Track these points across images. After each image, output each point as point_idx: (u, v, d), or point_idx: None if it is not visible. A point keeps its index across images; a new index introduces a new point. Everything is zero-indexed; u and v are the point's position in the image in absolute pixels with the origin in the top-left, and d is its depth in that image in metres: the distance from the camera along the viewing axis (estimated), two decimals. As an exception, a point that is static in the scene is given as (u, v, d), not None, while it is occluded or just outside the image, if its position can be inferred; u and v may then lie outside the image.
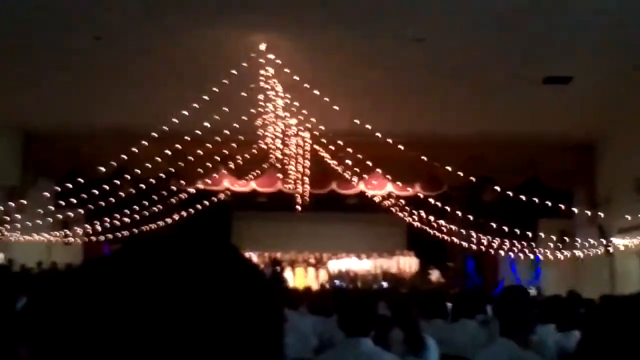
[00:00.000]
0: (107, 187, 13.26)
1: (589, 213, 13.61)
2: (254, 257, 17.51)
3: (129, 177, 13.56)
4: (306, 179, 14.11)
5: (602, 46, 9.56)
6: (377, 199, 15.44)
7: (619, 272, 12.70)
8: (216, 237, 0.68)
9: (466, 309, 5.46)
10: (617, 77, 10.73)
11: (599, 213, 13.45)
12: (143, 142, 12.06)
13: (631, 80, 10.80)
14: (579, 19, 8.78)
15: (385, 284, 16.38)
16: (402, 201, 15.44)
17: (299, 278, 17.42)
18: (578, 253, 13.49)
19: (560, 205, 13.19)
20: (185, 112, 10.94)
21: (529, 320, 3.32)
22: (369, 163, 13.89)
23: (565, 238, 14.25)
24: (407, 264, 17.60)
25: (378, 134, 12.27)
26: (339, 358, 3.03)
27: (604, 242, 12.77)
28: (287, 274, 17.29)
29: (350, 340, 3.09)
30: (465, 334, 4.58)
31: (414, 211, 15.40)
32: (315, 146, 13.54)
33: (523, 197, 13.12)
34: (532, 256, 14.49)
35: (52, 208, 13.73)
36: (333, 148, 13.60)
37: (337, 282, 16.96)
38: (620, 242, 12.36)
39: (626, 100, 11.69)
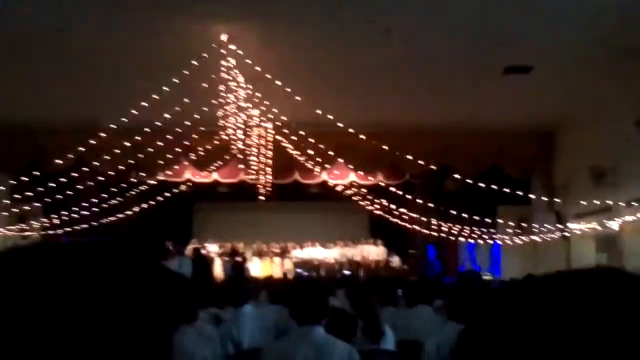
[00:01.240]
0: (65, 180, 13.06)
1: (546, 199, 13.91)
2: (216, 248, 17.46)
3: (87, 169, 13.37)
4: (269, 170, 14.08)
5: (562, 36, 9.71)
6: (339, 188, 15.52)
7: (575, 256, 13.02)
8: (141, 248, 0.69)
9: (423, 295, 5.54)
10: (576, 67, 10.93)
11: (556, 199, 13.76)
12: (102, 134, 11.90)
13: (590, 71, 11.03)
14: (539, 8, 8.91)
15: (347, 272, 16.49)
16: (364, 190, 15.54)
17: (264, 268, 17.43)
18: (535, 238, 13.77)
19: (518, 192, 13.46)
20: (145, 104, 10.81)
21: (474, 304, 3.40)
22: (332, 153, 13.96)
23: (523, 224, 14.54)
24: (372, 251, 17.73)
25: (340, 124, 12.32)
26: (290, 346, 3.06)
27: (561, 227, 13.06)
28: (253, 264, 17.30)
29: (302, 329, 3.13)
30: (421, 319, 4.66)
31: (376, 200, 15.52)
32: (278, 137, 13.51)
33: (482, 185, 13.36)
34: (491, 242, 14.74)
35: (8, 202, 13.47)
36: (295, 138, 13.61)
37: (299, 271, 17.01)
38: (576, 227, 12.66)
39: (583, 91, 11.93)
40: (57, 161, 12.88)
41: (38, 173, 13.08)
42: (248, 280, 7.92)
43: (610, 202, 11.39)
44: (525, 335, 0.49)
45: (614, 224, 11.20)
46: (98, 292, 0.60)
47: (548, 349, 0.47)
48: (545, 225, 13.59)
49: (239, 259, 14.56)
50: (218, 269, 15.23)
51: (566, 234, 12.94)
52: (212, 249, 17.20)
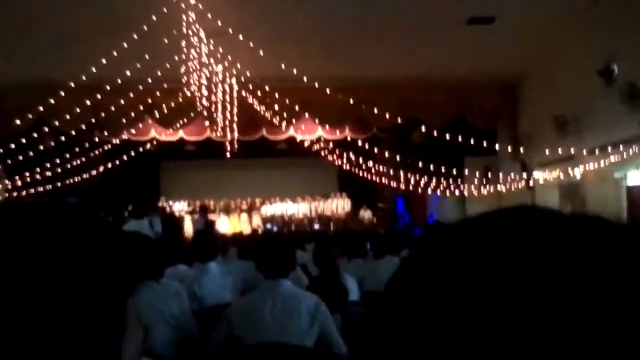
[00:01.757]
0: (25, 141, 12.77)
1: (511, 150, 14.09)
2: (184, 205, 17.38)
3: (48, 129, 13.08)
4: (235, 126, 13.95)
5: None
6: (307, 144, 15.48)
7: (540, 204, 13.25)
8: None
9: (391, 246, 5.60)
10: (539, 16, 10.95)
11: (521, 149, 13.95)
12: (61, 92, 11.61)
13: (552, 21, 11.06)
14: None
15: (317, 227, 16.60)
16: (332, 145, 15.54)
17: (233, 225, 17.44)
18: (501, 188, 13.99)
19: (484, 143, 13.59)
20: (104, 61, 10.56)
21: None
22: (298, 108, 13.87)
23: (489, 174, 14.73)
24: (340, 206, 17.85)
25: (305, 79, 12.22)
26: (257, 300, 3.07)
27: (526, 176, 13.27)
28: (221, 220, 17.29)
29: (269, 282, 3.14)
30: (388, 269, 4.70)
31: (343, 154, 15.54)
32: (243, 93, 13.34)
33: (449, 137, 13.46)
34: (457, 193, 14.93)
35: (-31, 165, 13.17)
36: (260, 94, 13.46)
37: (269, 226, 17.08)
38: (540, 175, 12.88)
39: (546, 40, 11.99)
40: (16, 121, 12.55)
41: (-4, 135, 12.78)
42: (216, 237, 7.89)
43: (574, 151, 11.58)
44: (443, 278, 0.47)
45: (577, 172, 11.41)
46: (47, 252, 0.59)
47: (465, 288, 0.46)
48: (511, 174, 13.79)
49: (207, 215, 14.49)
50: (188, 227, 15.18)
51: (531, 183, 13.15)
52: (180, 207, 17.12)
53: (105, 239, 0.65)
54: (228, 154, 14.87)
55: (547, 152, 12.38)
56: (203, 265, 4.57)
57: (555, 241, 0.46)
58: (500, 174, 14.41)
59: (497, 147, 14.39)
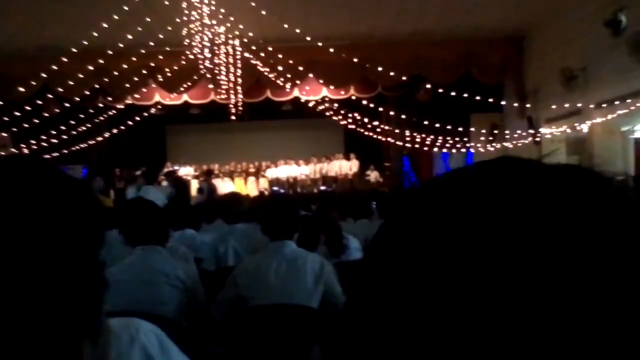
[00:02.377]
0: (30, 109, 12.76)
1: (517, 105, 13.97)
2: (190, 170, 17.39)
3: (52, 96, 13.05)
4: (239, 88, 13.87)
5: None
6: (312, 105, 15.38)
7: (546, 161, 13.18)
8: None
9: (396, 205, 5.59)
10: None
11: (528, 105, 13.82)
12: (64, 59, 11.54)
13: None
14: None
15: (323, 188, 16.62)
16: (337, 105, 15.44)
17: (239, 188, 17.47)
18: (508, 145, 13.91)
19: (490, 99, 13.47)
20: (105, 25, 10.46)
21: None
22: (302, 68, 13.76)
23: (496, 131, 14.64)
24: (347, 166, 17.82)
25: (308, 38, 12.09)
26: (263, 261, 3.09)
27: (532, 132, 13.17)
28: (227, 184, 17.32)
29: (274, 244, 3.15)
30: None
31: (349, 114, 15.46)
32: (246, 54, 13.23)
33: (454, 94, 13.34)
34: (464, 150, 14.86)
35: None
36: (264, 55, 13.35)
37: (276, 189, 17.11)
38: (547, 131, 12.77)
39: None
40: (20, 89, 12.52)
41: (1, 102, 12.74)
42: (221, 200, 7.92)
43: (581, 105, 11.46)
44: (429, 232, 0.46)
45: (585, 127, 11.31)
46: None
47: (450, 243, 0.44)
48: (518, 130, 13.70)
49: (212, 179, 14.47)
50: (194, 191, 15.23)
51: (537, 138, 13.06)
52: (187, 171, 17.13)
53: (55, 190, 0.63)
54: (233, 117, 14.83)
55: (553, 107, 12.25)
56: (230, 225, 4.70)
57: (536, 192, 0.45)
58: (507, 131, 14.31)
59: (503, 103, 14.27)
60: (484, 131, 14.58)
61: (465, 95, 13.25)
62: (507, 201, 0.44)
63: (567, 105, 11.82)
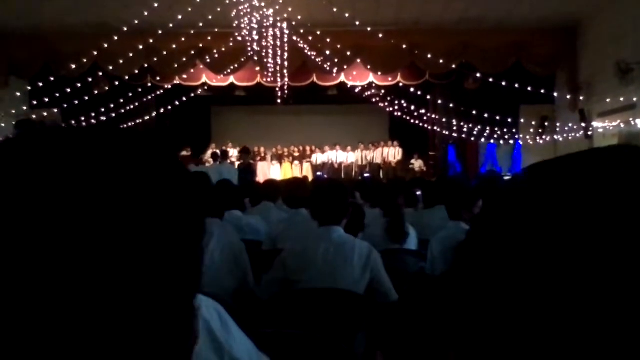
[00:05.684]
0: (80, 85, 12.98)
1: (569, 98, 13.62)
2: (234, 152, 17.49)
3: (102, 74, 13.25)
4: (285, 72, 13.86)
5: None
6: (358, 90, 15.27)
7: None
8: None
9: (441, 195, 5.49)
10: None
11: (580, 97, 13.45)
12: (114, 37, 11.69)
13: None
14: None
15: (367, 175, 16.52)
16: (383, 91, 15.30)
17: (284, 172, 17.55)
18: (558, 138, 13.58)
19: (541, 90, 13.16)
20: (156, 5, 10.55)
21: (469, 203, 3.40)
22: (349, 53, 13.66)
23: (546, 124, 14.30)
24: (391, 154, 17.69)
25: (357, 23, 11.98)
26: (310, 246, 3.06)
27: (584, 126, 12.82)
28: (275, 167, 17.45)
29: (323, 229, 3.12)
30: (438, 219, 4.63)
31: (395, 101, 15.30)
32: (294, 37, 13.19)
33: (504, 84, 13.08)
34: (512, 142, 14.58)
35: (26, 109, 13.48)
36: (312, 39, 13.28)
37: (319, 174, 17.09)
38: (600, 125, 12.42)
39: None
40: (72, 65, 12.74)
41: (52, 78, 12.98)
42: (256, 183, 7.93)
43: (636, 99, 11.09)
44: (530, 228, 0.43)
45: (639, 122, 10.96)
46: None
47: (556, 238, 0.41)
48: (569, 124, 13.35)
49: (249, 158, 14.34)
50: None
51: (589, 132, 12.72)
52: (231, 153, 17.24)
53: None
54: (279, 100, 14.84)
55: (607, 100, 11.90)
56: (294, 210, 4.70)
57: None
58: (558, 124, 13.97)
59: (555, 95, 13.92)
60: (533, 123, 14.26)
61: (516, 85, 12.97)
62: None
63: (621, 99, 11.46)
